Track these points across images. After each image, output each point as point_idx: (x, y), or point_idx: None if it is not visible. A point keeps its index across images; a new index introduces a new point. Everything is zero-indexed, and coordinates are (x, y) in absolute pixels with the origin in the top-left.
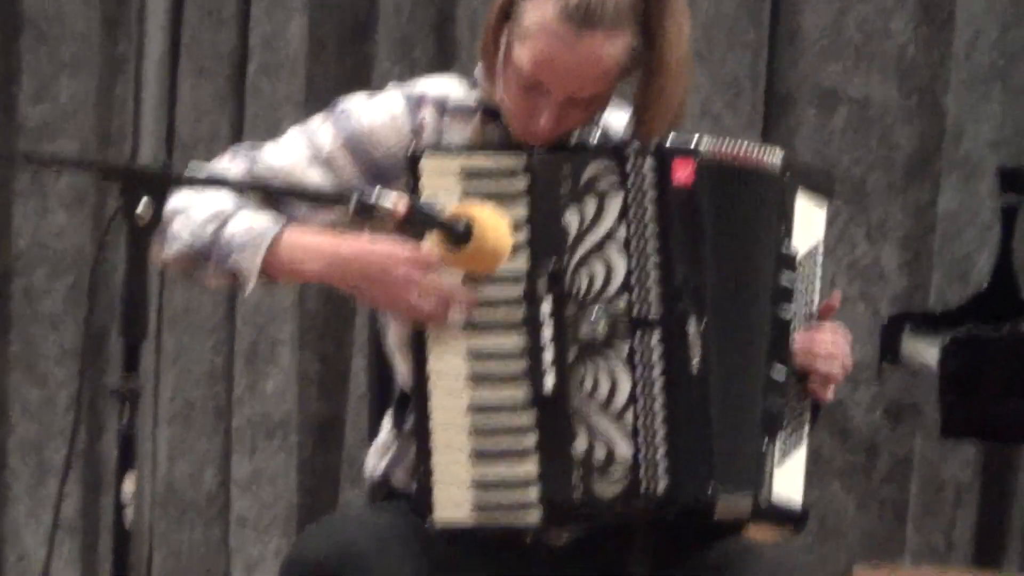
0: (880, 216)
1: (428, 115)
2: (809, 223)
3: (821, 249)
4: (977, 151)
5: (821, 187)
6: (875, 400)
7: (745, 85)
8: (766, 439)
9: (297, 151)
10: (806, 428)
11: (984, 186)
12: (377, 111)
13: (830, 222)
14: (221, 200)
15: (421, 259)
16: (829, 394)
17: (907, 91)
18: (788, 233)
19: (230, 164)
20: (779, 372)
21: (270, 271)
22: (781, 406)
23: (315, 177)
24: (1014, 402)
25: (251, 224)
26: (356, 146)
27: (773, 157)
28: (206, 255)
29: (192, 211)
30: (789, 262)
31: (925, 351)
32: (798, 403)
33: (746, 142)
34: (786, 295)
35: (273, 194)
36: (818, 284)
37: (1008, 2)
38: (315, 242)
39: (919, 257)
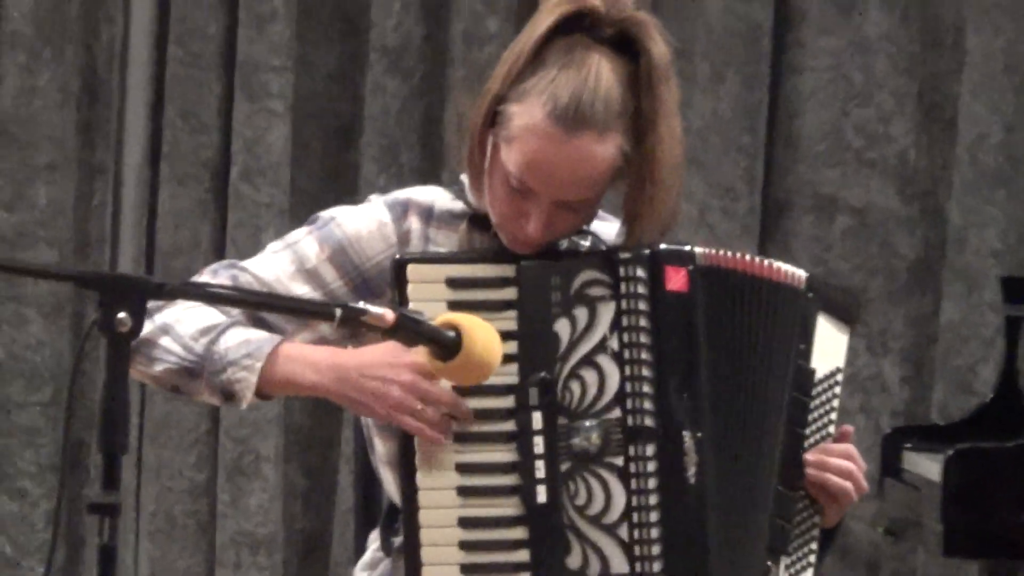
0: (881, 326)
1: (414, 223)
2: (830, 346)
3: (841, 376)
4: (980, 260)
5: (845, 311)
6: (876, 516)
7: (742, 191)
8: (770, 558)
9: (280, 265)
10: (814, 552)
11: (987, 296)
12: (362, 220)
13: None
14: (211, 315)
15: (422, 366)
16: (833, 514)
17: (908, 197)
18: (807, 350)
19: (211, 281)
20: (789, 489)
21: (266, 385)
22: (788, 527)
23: (300, 291)
24: (1020, 517)
25: (247, 337)
26: (342, 257)
27: (797, 273)
28: (198, 370)
29: (181, 326)
30: (806, 377)
31: (927, 465)
32: (807, 525)
33: (768, 259)
34: (801, 410)
35: (257, 311)
36: (836, 408)
37: (1013, 102)
38: (313, 354)
39: (921, 369)
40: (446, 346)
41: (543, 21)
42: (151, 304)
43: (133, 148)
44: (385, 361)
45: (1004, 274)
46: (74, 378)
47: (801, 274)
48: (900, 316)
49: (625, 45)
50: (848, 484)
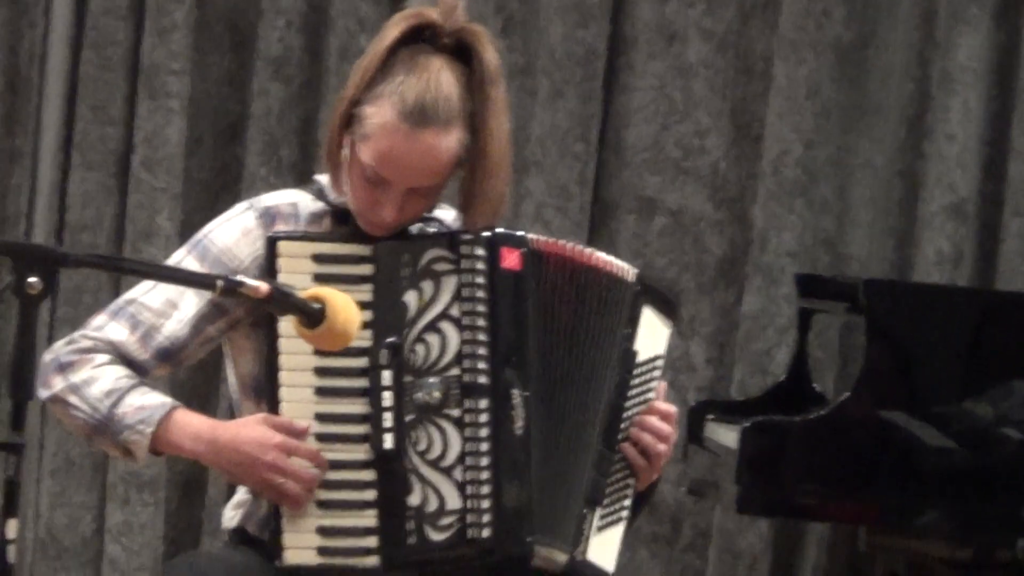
0: (690, 314)
1: (283, 227)
2: (654, 335)
3: (661, 362)
4: (778, 259)
5: (669, 307)
6: (681, 477)
7: (575, 192)
8: (586, 506)
9: (167, 290)
10: (626, 508)
11: (784, 291)
12: (231, 232)
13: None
14: (118, 376)
15: (286, 445)
16: (648, 476)
17: (718, 202)
18: (632, 335)
19: (111, 323)
20: (608, 450)
21: (157, 447)
22: (604, 482)
23: (191, 302)
24: (805, 484)
25: (142, 403)
26: (219, 267)
27: (629, 268)
28: (103, 428)
29: (89, 388)
30: (630, 357)
31: (726, 435)
32: (622, 484)
33: (603, 253)
34: (623, 385)
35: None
36: (654, 389)
37: (812, 123)
38: (196, 427)
39: (724, 351)
40: (312, 316)
41: (390, 34)
42: (64, 359)
43: (49, 137)
44: (254, 439)
45: (799, 272)
46: None
47: (632, 270)
48: (707, 305)
49: (461, 52)
50: (662, 446)
